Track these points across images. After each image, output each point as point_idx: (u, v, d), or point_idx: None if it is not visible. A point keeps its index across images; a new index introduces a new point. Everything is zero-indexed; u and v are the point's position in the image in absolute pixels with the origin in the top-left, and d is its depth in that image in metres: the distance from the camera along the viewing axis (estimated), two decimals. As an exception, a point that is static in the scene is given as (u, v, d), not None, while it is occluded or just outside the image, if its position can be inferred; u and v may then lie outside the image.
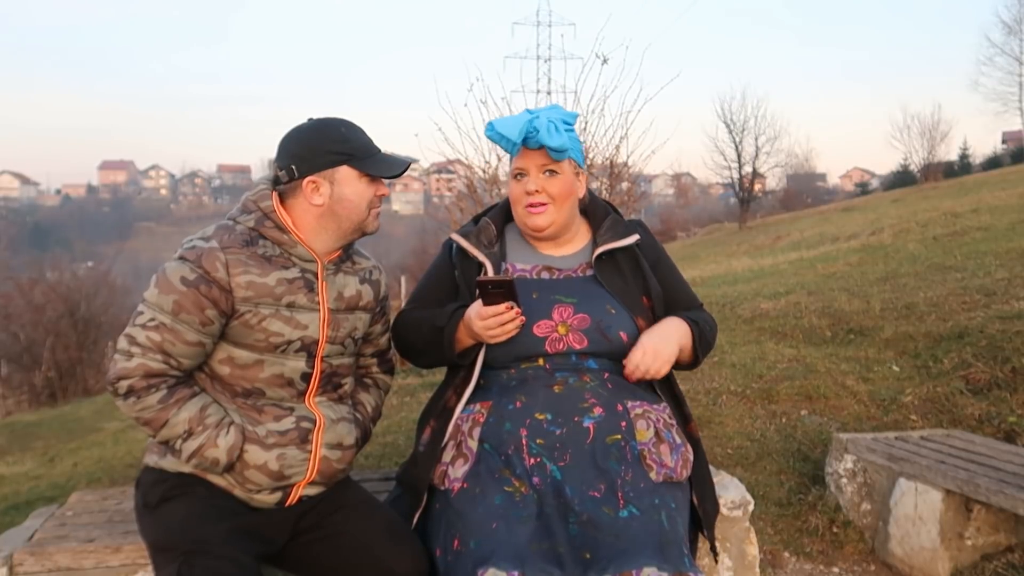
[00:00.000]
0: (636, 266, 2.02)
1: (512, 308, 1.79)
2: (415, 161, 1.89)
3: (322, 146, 1.79)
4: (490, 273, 1.97)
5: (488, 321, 1.81)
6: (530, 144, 1.92)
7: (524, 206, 1.98)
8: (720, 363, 5.09)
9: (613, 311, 1.93)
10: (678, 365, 1.99)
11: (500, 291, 1.78)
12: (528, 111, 1.98)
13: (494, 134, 1.95)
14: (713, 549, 2.01)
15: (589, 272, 2.00)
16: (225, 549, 1.64)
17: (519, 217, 2.03)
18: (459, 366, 1.98)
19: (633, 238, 2.03)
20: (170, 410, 1.71)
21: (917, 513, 2.86)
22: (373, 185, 1.83)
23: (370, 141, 1.85)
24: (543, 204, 1.96)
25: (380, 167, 1.82)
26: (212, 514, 1.72)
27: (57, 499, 3.87)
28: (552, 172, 1.95)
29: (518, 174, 1.99)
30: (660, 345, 1.90)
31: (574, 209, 2.05)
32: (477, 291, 1.84)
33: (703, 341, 2.00)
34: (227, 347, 1.77)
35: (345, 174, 1.79)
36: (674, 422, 1.94)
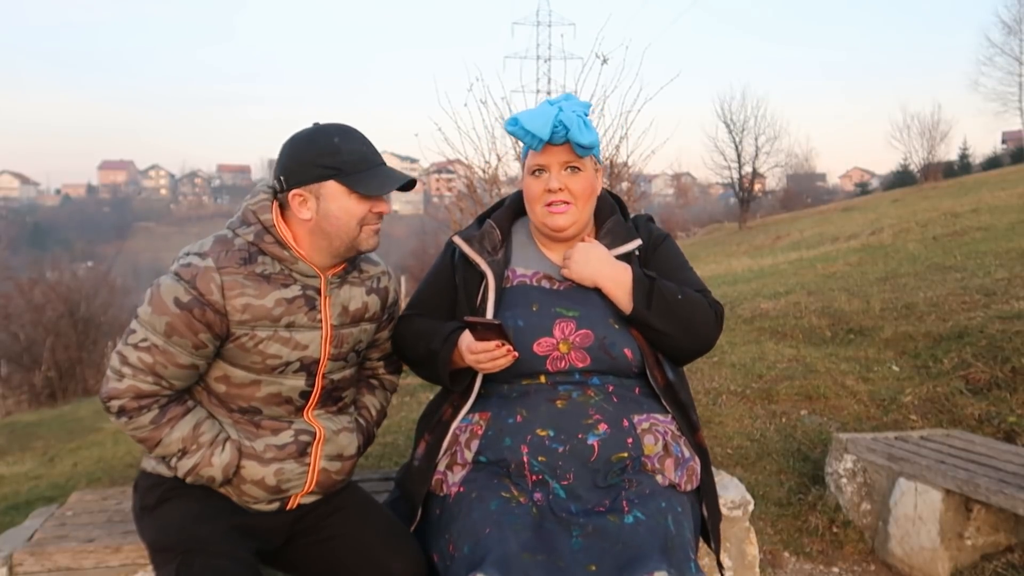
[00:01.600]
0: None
1: (503, 345, 1.73)
2: (413, 179, 1.75)
3: (310, 158, 1.68)
4: (491, 284, 1.90)
5: (479, 356, 1.75)
6: (555, 140, 1.81)
7: (544, 204, 1.87)
8: (720, 363, 5.09)
9: (616, 325, 1.84)
10: (631, 320, 1.84)
11: (489, 331, 1.71)
12: (549, 102, 1.86)
13: (518, 129, 1.83)
14: (719, 563, 1.94)
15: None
16: (223, 547, 1.64)
17: (537, 217, 1.91)
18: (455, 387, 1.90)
19: (633, 244, 1.93)
20: (162, 430, 1.69)
21: (917, 513, 2.85)
22: (365, 202, 1.70)
23: (367, 153, 1.73)
24: (566, 203, 1.86)
25: (370, 184, 1.69)
26: (210, 513, 1.71)
27: (57, 499, 3.87)
28: (575, 169, 1.86)
29: (537, 170, 1.88)
30: (594, 255, 1.85)
31: (593, 207, 1.94)
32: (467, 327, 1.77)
33: (652, 293, 1.82)
34: (223, 366, 1.73)
35: (332, 189, 1.68)
36: (682, 434, 1.86)
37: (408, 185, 1.75)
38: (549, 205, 1.87)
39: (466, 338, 1.79)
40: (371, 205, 1.72)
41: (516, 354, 1.75)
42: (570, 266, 1.87)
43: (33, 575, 1.97)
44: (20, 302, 18.46)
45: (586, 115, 1.86)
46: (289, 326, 1.72)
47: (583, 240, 1.94)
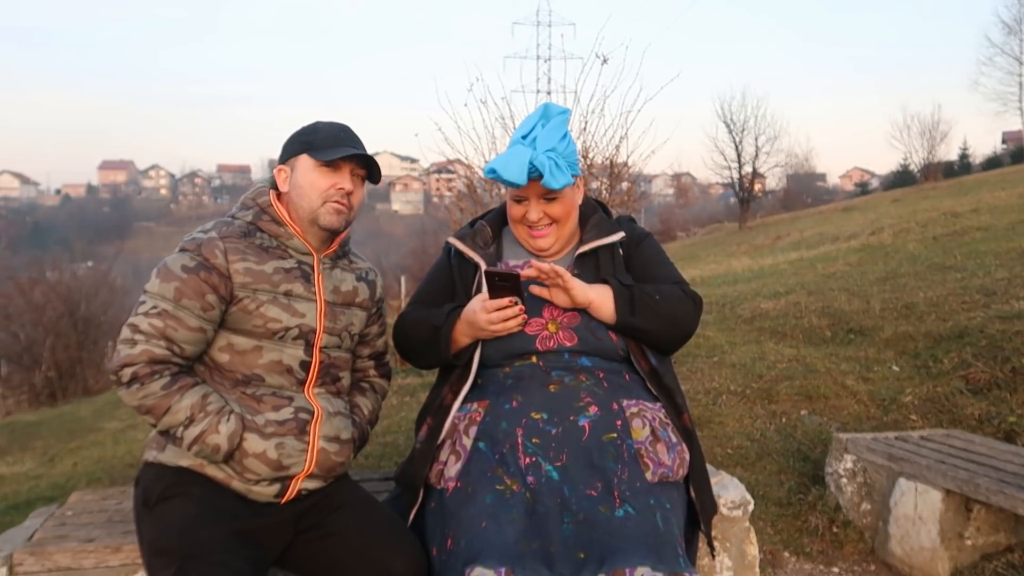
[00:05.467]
0: (620, 264, 2.05)
1: (516, 304, 1.86)
2: (366, 154, 1.86)
3: (294, 137, 1.90)
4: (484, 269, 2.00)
5: (492, 314, 1.86)
6: (530, 175, 1.92)
7: (526, 227, 2.02)
8: (720, 363, 5.09)
9: None
10: (619, 328, 1.94)
11: (507, 284, 1.84)
12: (522, 141, 1.95)
13: (496, 176, 1.95)
14: (710, 545, 2.01)
15: (575, 272, 2.02)
16: (221, 556, 1.63)
17: (520, 236, 2.07)
18: (455, 366, 2.00)
19: (616, 236, 2.06)
20: (173, 397, 1.73)
21: (917, 513, 2.86)
22: (329, 176, 1.84)
23: (341, 136, 1.87)
24: (548, 225, 2.01)
25: (327, 154, 1.83)
26: (210, 516, 1.71)
27: (57, 499, 3.88)
28: (553, 198, 1.99)
29: (517, 199, 2.02)
30: (577, 283, 1.91)
31: (576, 219, 2.09)
32: (484, 283, 1.89)
33: (634, 301, 1.93)
34: (227, 335, 1.81)
35: (303, 162, 1.86)
36: (670, 421, 1.93)
37: (372, 168, 1.88)
38: (531, 228, 2.02)
39: (479, 299, 1.90)
40: (333, 180, 1.85)
41: (526, 316, 1.89)
42: (573, 286, 1.91)
43: (33, 575, 1.97)
44: (20, 302, 18.48)
45: (560, 137, 1.94)
46: (287, 294, 1.82)
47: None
